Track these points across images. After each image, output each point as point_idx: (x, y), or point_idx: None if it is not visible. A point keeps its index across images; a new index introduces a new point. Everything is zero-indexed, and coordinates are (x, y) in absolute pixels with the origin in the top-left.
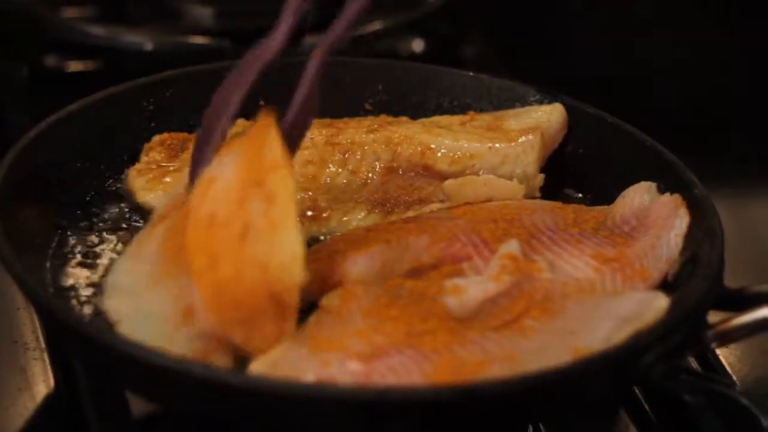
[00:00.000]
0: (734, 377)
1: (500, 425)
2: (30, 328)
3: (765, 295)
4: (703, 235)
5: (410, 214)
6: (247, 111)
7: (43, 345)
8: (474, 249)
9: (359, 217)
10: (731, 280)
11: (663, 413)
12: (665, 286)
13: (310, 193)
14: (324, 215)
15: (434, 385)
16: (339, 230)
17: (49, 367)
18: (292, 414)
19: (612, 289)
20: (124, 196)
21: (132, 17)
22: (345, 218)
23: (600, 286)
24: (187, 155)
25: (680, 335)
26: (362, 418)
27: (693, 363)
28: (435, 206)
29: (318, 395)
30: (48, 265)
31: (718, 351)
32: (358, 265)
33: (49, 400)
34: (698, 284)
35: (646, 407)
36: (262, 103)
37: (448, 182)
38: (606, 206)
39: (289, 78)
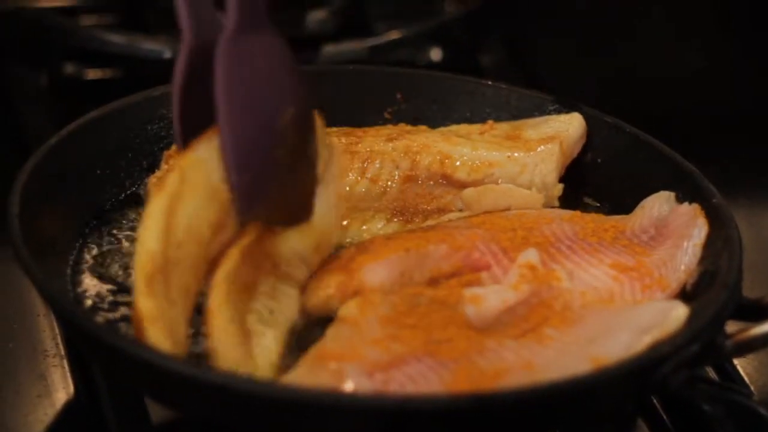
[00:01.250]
0: (752, 387)
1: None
2: (50, 335)
3: None
4: (721, 245)
5: (429, 222)
6: None
7: (63, 352)
8: (493, 258)
9: (378, 226)
10: (749, 290)
11: (680, 422)
12: (684, 295)
13: None
14: (343, 224)
15: (453, 393)
16: (358, 238)
17: (68, 374)
18: (311, 423)
19: (631, 298)
20: (144, 203)
21: (151, 25)
22: (364, 227)
23: (619, 295)
24: None
25: (698, 345)
26: (381, 427)
27: (711, 373)
28: (454, 215)
29: (336, 404)
30: (68, 271)
31: (735, 361)
32: (376, 274)
33: (69, 407)
34: (717, 294)
35: (664, 416)
36: None
37: (467, 191)
38: (625, 215)
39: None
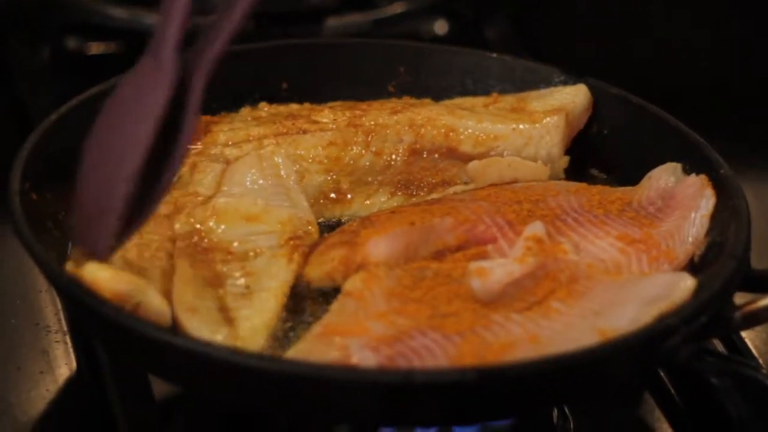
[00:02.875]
0: (760, 360)
1: (526, 407)
2: (52, 311)
3: None
4: (729, 216)
5: (434, 196)
6: (270, 93)
7: (65, 328)
8: (499, 231)
9: (382, 199)
10: (758, 261)
11: (688, 396)
12: (691, 267)
13: (333, 176)
14: (347, 197)
15: (458, 367)
16: (362, 212)
17: (71, 350)
18: (316, 397)
19: (638, 270)
20: None
21: None
22: (368, 201)
23: (626, 267)
24: (209, 138)
25: (706, 317)
26: (387, 400)
27: (719, 345)
28: (459, 188)
29: (341, 378)
30: (69, 248)
31: (744, 334)
32: (380, 248)
33: (72, 383)
34: (724, 265)
35: (672, 390)
36: (285, 86)
37: (472, 164)
38: (631, 187)
39: (311, 61)
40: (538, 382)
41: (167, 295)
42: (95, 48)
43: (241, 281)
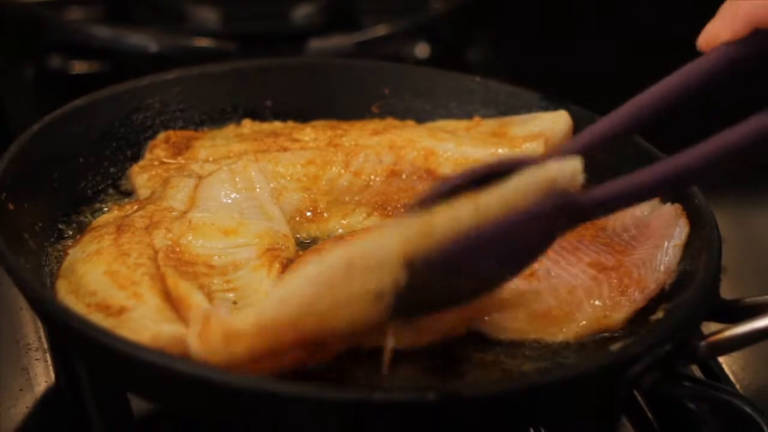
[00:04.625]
0: (737, 385)
1: (492, 429)
2: (32, 329)
3: (758, 306)
4: (701, 246)
5: None
6: (254, 111)
7: (45, 345)
8: None
9: (359, 219)
10: (732, 290)
11: (665, 420)
12: (663, 296)
13: (311, 194)
14: (324, 216)
15: (419, 388)
16: (338, 231)
17: (51, 367)
18: (276, 414)
19: (609, 298)
20: (126, 192)
21: (137, 19)
22: (344, 221)
23: (596, 294)
24: (191, 153)
25: (672, 345)
26: (348, 420)
27: (696, 371)
28: None
29: (300, 396)
30: (45, 260)
31: (721, 359)
32: None
33: (51, 400)
34: (693, 295)
35: (649, 414)
36: (269, 103)
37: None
38: None
39: (297, 80)
40: (499, 405)
41: (165, 297)
42: (79, 67)
43: (229, 296)
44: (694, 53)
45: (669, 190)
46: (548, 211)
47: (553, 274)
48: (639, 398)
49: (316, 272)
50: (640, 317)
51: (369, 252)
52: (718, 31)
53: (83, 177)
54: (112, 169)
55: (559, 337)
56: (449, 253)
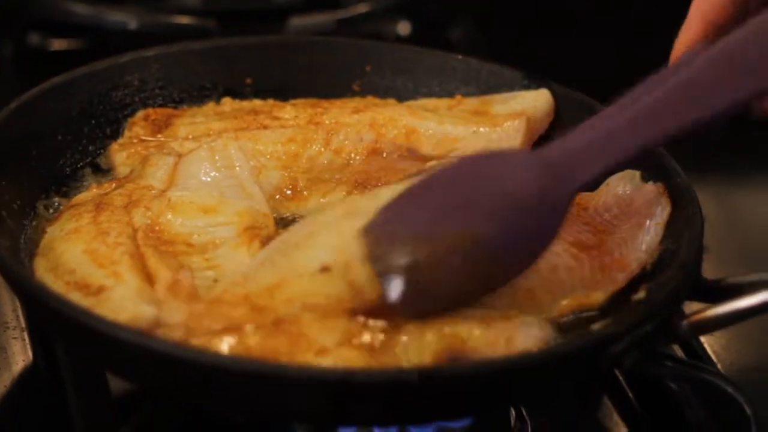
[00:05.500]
0: (719, 365)
1: (474, 408)
2: (10, 307)
3: (740, 286)
4: (683, 225)
5: None
6: (234, 89)
7: (23, 324)
8: None
9: (339, 197)
10: (715, 269)
11: (647, 400)
12: (643, 274)
13: (291, 172)
14: (303, 194)
15: (398, 368)
16: (317, 210)
17: (29, 346)
18: (255, 394)
19: (590, 277)
20: (105, 170)
21: None
22: (323, 199)
23: (578, 273)
24: (170, 131)
25: (653, 325)
26: (328, 399)
27: (678, 350)
28: None
29: (279, 375)
30: (23, 239)
31: (703, 339)
32: None
33: (29, 379)
34: (674, 274)
35: (630, 394)
36: (249, 81)
37: (431, 164)
38: (588, 193)
39: (277, 57)
40: (479, 384)
41: (145, 277)
42: (57, 44)
43: (209, 273)
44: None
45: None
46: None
47: None
48: (620, 378)
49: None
50: (621, 296)
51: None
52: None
53: (62, 155)
54: (90, 147)
55: (542, 316)
56: (397, 207)
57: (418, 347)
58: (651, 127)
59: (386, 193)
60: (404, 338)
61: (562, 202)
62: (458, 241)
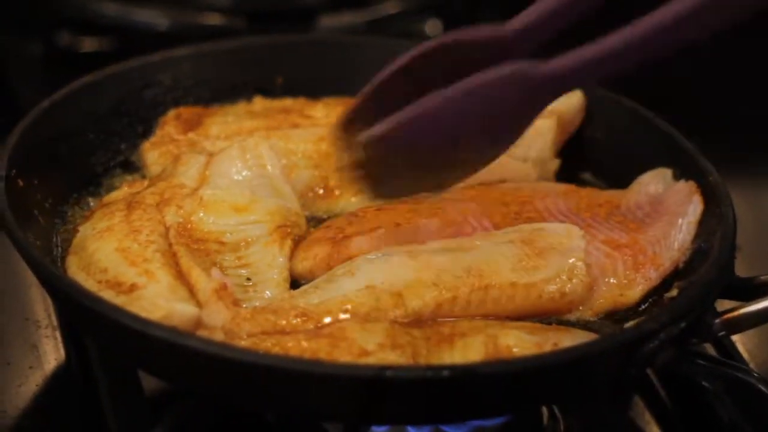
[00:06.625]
0: (752, 363)
1: (508, 406)
2: (42, 306)
3: None
4: (715, 223)
5: None
6: (265, 87)
7: (55, 323)
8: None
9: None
10: (747, 268)
11: (678, 399)
12: (677, 273)
13: (322, 171)
14: (335, 193)
15: (431, 365)
16: (348, 209)
17: (61, 345)
18: (289, 391)
19: (623, 275)
20: (137, 168)
21: None
22: (354, 198)
23: (611, 271)
24: (201, 130)
25: (686, 323)
26: (361, 396)
27: (710, 349)
28: None
29: (313, 372)
30: (55, 237)
31: (736, 338)
32: (364, 248)
33: (61, 378)
34: (707, 273)
35: (662, 393)
36: (280, 80)
37: None
38: (620, 191)
39: (308, 56)
40: (512, 382)
41: (177, 275)
42: (87, 44)
43: (242, 272)
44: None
45: (641, 56)
46: (501, 78)
47: None
48: (652, 377)
49: None
50: (654, 295)
51: None
52: None
53: (93, 154)
54: (122, 146)
55: (576, 315)
56: (402, 124)
57: (463, 354)
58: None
59: None
60: (450, 345)
61: (540, 93)
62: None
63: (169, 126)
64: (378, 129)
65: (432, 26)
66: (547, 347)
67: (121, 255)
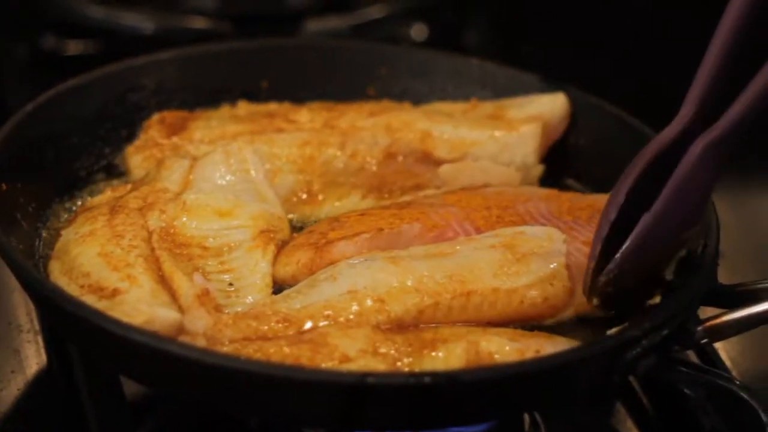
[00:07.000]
0: (734, 371)
1: (489, 413)
2: (24, 311)
3: (756, 292)
4: (699, 231)
5: (405, 198)
6: (250, 92)
7: (37, 327)
8: (466, 237)
9: (353, 201)
10: (731, 275)
11: (660, 406)
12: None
13: (306, 176)
14: (318, 198)
15: (412, 372)
16: (332, 214)
17: (42, 349)
18: (271, 397)
19: None
20: (120, 172)
21: None
22: (338, 203)
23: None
24: (186, 134)
25: (668, 330)
26: (342, 402)
27: (692, 356)
28: (430, 191)
29: (294, 378)
30: (38, 241)
31: (718, 345)
32: (347, 252)
33: (43, 382)
34: (689, 280)
35: (644, 400)
36: (265, 84)
37: (445, 167)
38: (602, 195)
39: (293, 61)
40: (493, 388)
41: (159, 280)
42: (73, 47)
43: (225, 277)
44: (691, 34)
45: None
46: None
47: None
48: (634, 384)
49: None
50: None
51: None
52: None
53: (77, 157)
54: (106, 150)
55: (556, 317)
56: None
57: (445, 360)
58: None
59: None
60: (432, 352)
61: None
62: None
63: (153, 130)
64: (614, 264)
65: (417, 31)
66: (529, 354)
67: (103, 259)
